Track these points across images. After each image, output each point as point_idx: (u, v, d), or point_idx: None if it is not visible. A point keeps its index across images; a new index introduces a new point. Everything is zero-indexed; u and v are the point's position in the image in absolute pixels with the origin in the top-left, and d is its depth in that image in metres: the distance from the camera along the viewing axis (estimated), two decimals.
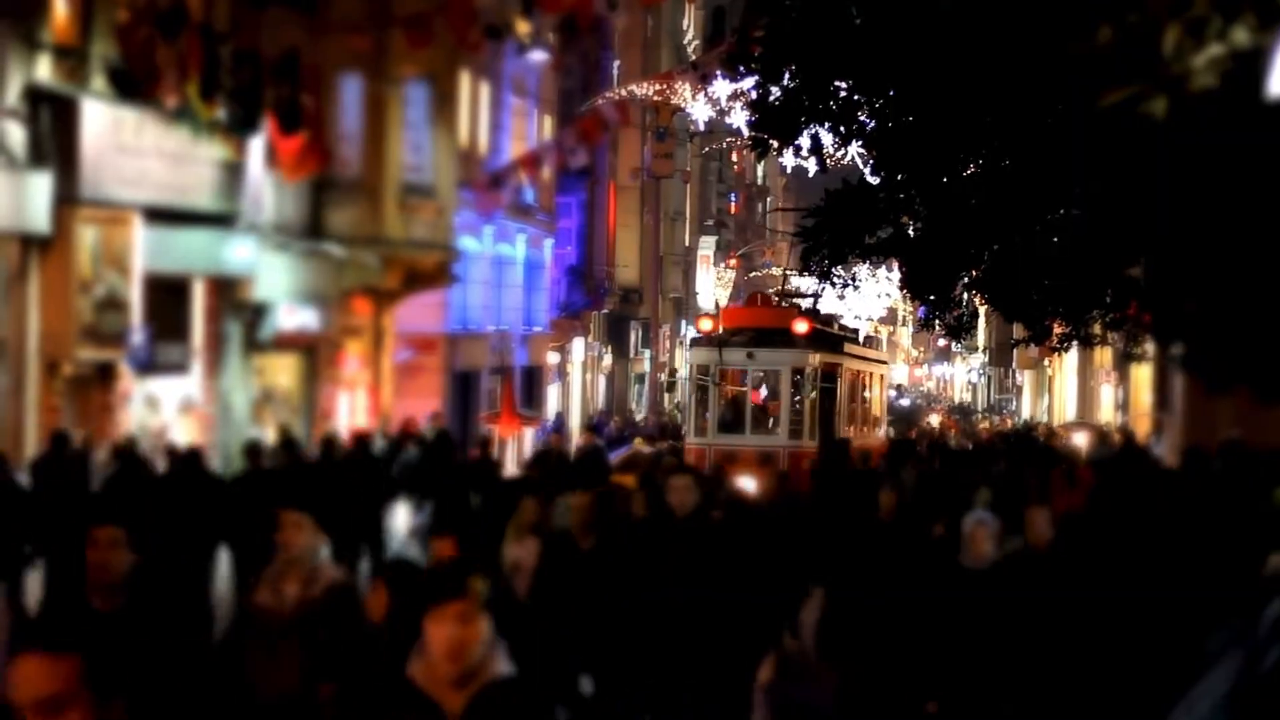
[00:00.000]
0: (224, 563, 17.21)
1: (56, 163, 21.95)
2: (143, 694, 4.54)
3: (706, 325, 28.33)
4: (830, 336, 29.71)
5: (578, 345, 51.21)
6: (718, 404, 27.53)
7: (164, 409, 25.54)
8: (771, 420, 27.77)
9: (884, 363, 36.72)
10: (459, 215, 34.01)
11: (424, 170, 32.19)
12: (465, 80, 36.20)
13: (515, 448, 32.48)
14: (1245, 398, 10.97)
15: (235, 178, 26.08)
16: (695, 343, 28.79)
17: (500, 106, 39.88)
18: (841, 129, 12.67)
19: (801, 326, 27.47)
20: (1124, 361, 35.33)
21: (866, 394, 32.13)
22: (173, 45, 23.77)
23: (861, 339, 35.92)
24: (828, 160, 13.70)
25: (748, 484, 22.34)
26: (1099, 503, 15.70)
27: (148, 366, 24.24)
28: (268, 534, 9.45)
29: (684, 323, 75.80)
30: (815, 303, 31.38)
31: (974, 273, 13.82)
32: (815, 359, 27.41)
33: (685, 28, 74.41)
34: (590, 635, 10.18)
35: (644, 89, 37.81)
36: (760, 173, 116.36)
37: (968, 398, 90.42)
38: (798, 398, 27.49)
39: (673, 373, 50.59)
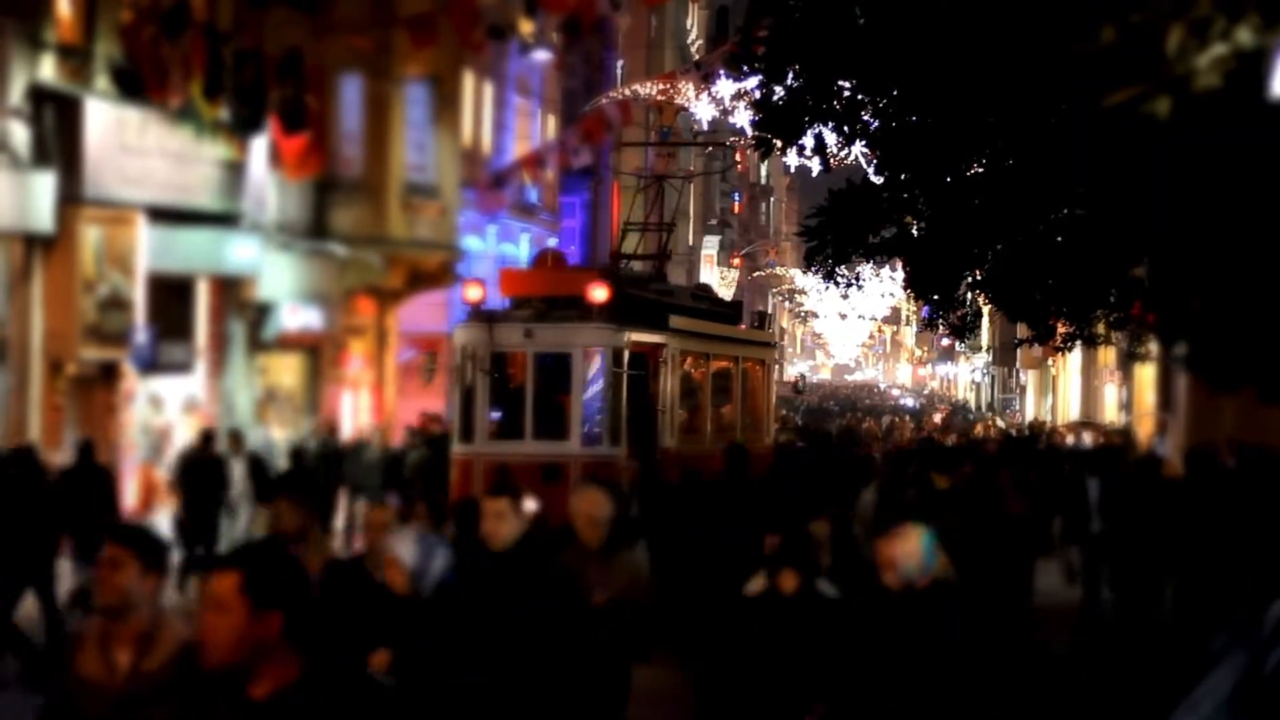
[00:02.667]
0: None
1: (60, 162, 21.98)
2: None
3: (474, 294, 20.87)
4: (650, 307, 21.61)
5: None
6: (489, 400, 20.48)
7: (167, 409, 25.57)
8: (564, 421, 20.36)
9: (767, 345, 27.09)
10: (462, 215, 34.02)
11: (427, 170, 32.21)
12: (469, 80, 36.22)
13: None
14: (1249, 397, 10.96)
15: (238, 177, 26.10)
16: (463, 320, 21.39)
17: (504, 106, 39.89)
18: (845, 128, 12.66)
19: (600, 292, 19.99)
20: (1128, 361, 35.32)
21: (732, 388, 24.55)
22: (176, 45, 23.79)
23: (754, 319, 28.86)
24: (831, 160, 13.69)
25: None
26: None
27: (151, 366, 24.27)
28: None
29: None
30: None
31: (978, 272, 13.81)
32: (623, 337, 20.14)
33: (689, 27, 74.43)
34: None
35: (647, 89, 37.80)
36: (764, 172, 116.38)
37: (971, 397, 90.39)
38: (591, 390, 20.43)
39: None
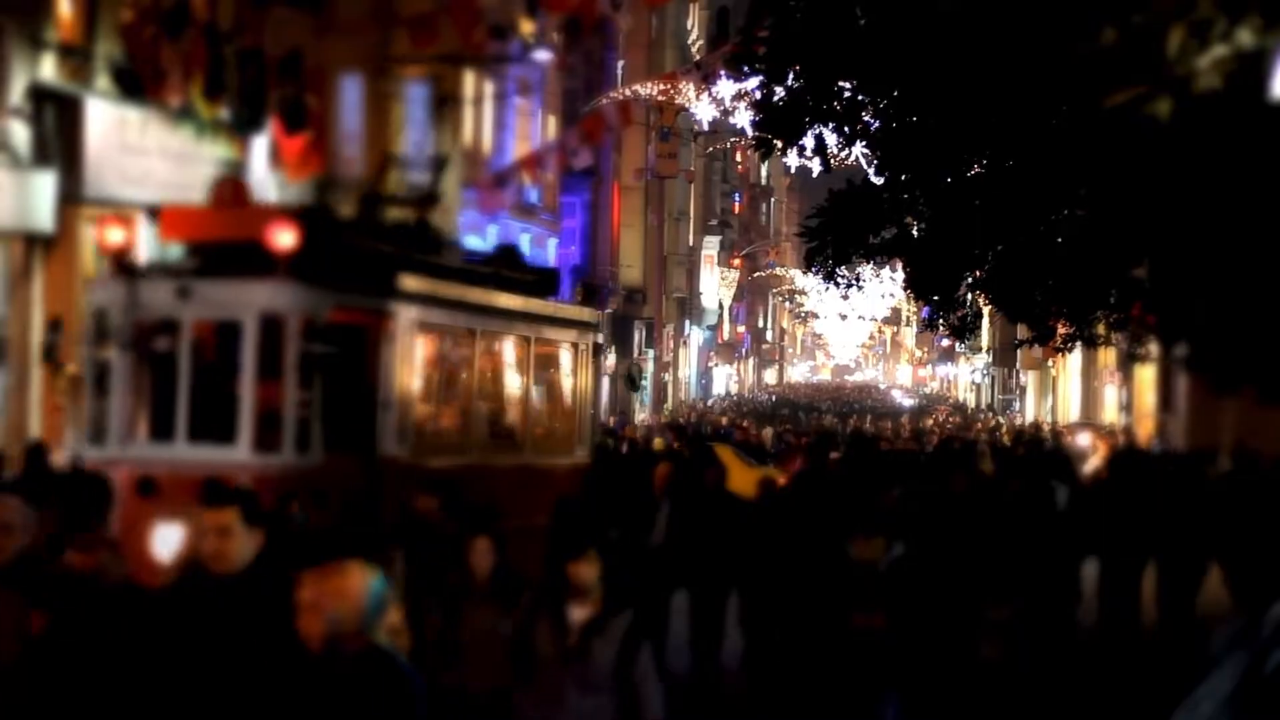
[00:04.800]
0: None
1: (61, 162, 21.97)
2: None
3: (115, 238, 15.37)
4: (372, 261, 15.59)
5: None
6: (129, 387, 14.99)
7: None
8: (231, 418, 14.65)
9: (583, 326, 19.79)
10: (462, 215, 34.02)
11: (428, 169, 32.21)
12: (469, 80, 36.22)
13: None
14: (1249, 399, 10.97)
15: (239, 177, 26.11)
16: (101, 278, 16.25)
17: (504, 106, 39.88)
18: (845, 129, 12.67)
19: (285, 237, 14.47)
20: (1128, 362, 35.35)
21: (521, 380, 18.25)
22: (177, 44, 23.80)
23: (577, 294, 22.37)
24: (832, 160, 13.69)
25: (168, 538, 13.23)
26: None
27: None
28: None
29: (687, 323, 75.89)
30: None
31: (978, 273, 13.81)
32: (319, 300, 14.73)
33: (689, 28, 74.46)
34: None
35: (648, 89, 37.84)
36: (764, 173, 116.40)
37: (971, 398, 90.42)
38: (276, 375, 14.75)
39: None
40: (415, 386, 15.89)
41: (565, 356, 19.35)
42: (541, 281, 19.72)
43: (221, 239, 15.24)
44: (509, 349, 18.12)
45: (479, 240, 36.74)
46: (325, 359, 14.73)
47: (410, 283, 15.85)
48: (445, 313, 16.57)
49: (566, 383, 19.43)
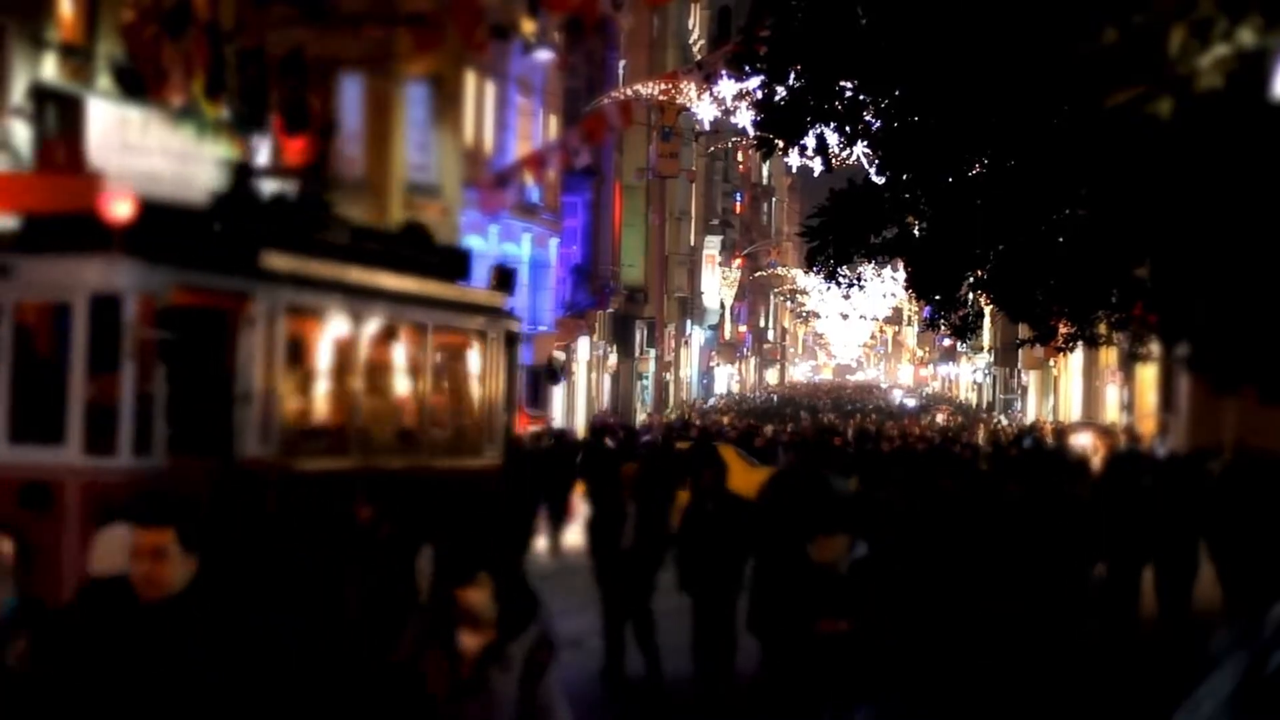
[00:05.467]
0: None
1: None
2: None
3: None
4: (228, 237, 13.77)
5: (583, 345, 51.24)
6: None
7: None
8: (59, 414, 12.81)
9: (494, 314, 17.91)
10: (464, 214, 34.03)
11: (429, 169, 32.23)
12: (471, 79, 36.23)
13: None
14: (1250, 398, 10.97)
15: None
16: None
17: (506, 106, 39.89)
18: (847, 129, 12.67)
19: (121, 207, 12.70)
20: (1129, 362, 35.35)
21: (418, 374, 16.39)
22: (178, 44, 23.80)
23: (494, 278, 18.97)
24: (833, 160, 13.69)
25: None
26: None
27: None
28: None
29: (689, 322, 75.92)
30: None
31: (979, 273, 13.82)
32: (159, 279, 12.88)
33: (691, 27, 74.47)
34: None
35: (649, 89, 37.84)
36: (765, 172, 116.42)
37: (973, 398, 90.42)
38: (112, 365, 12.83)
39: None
40: (282, 379, 14.00)
41: (472, 346, 17.47)
42: (446, 262, 17.66)
43: (49, 210, 13.22)
44: (402, 337, 16.18)
45: (480, 241, 36.76)
46: (171, 347, 12.84)
47: (275, 260, 13.97)
48: (320, 295, 14.73)
49: (473, 376, 17.47)
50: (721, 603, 14.25)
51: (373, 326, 15.56)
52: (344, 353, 15.18)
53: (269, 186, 15.84)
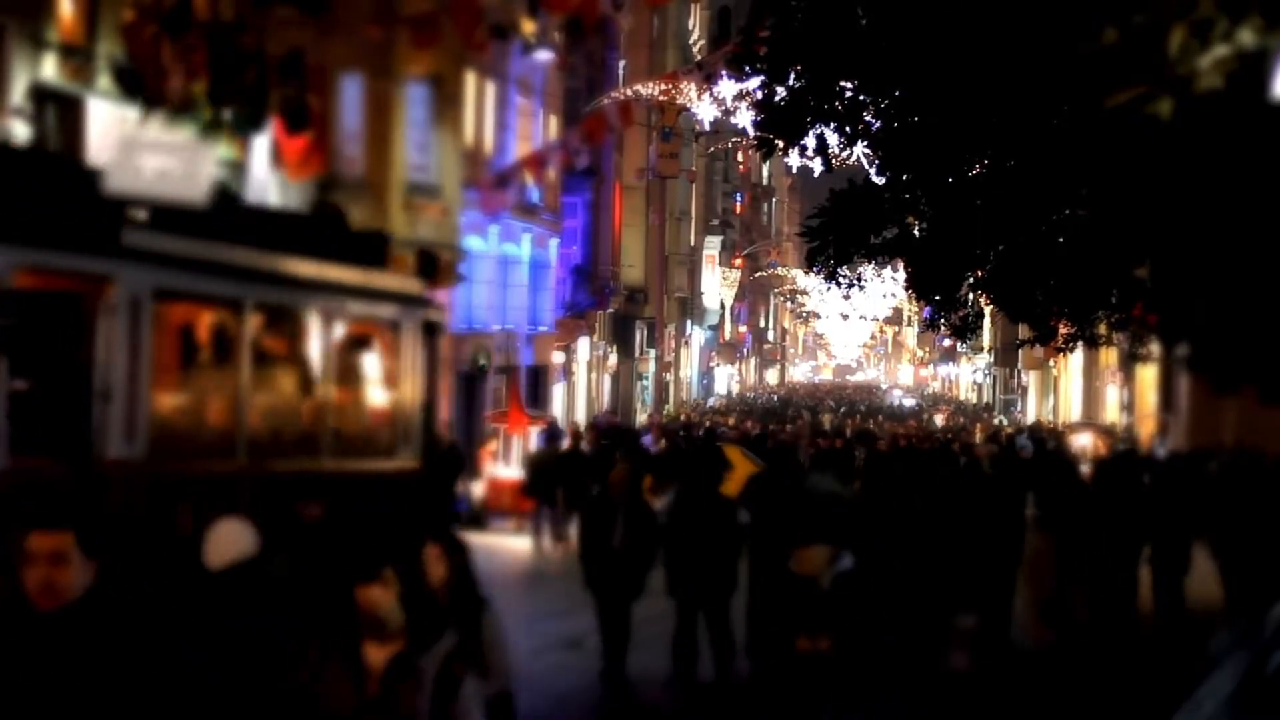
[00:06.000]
0: None
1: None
2: None
3: None
4: (84, 213, 12.29)
5: (583, 345, 51.24)
6: None
7: None
8: None
9: (409, 302, 16.56)
10: (464, 215, 34.03)
11: (429, 170, 32.22)
12: (471, 80, 36.23)
13: (520, 447, 32.48)
14: (1250, 399, 10.97)
15: (240, 177, 26.10)
16: None
17: (506, 106, 39.89)
18: (847, 129, 12.66)
19: None
20: (1129, 362, 35.35)
21: (310, 365, 14.93)
22: (178, 44, 23.80)
23: (419, 263, 17.88)
24: (833, 160, 13.69)
25: None
26: None
27: None
28: None
29: (689, 322, 75.90)
30: None
31: (979, 273, 13.81)
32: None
33: (691, 28, 74.46)
34: None
35: (649, 89, 37.84)
36: (765, 173, 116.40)
37: (973, 398, 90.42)
38: None
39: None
40: (150, 373, 12.55)
41: (385, 341, 16.14)
42: (358, 246, 16.09)
43: None
44: (298, 327, 14.76)
45: (480, 241, 36.77)
46: (13, 336, 11.45)
47: (141, 239, 12.50)
48: (198, 278, 13.20)
49: (384, 370, 16.14)
50: (711, 606, 14.15)
51: (263, 315, 14.16)
52: (227, 344, 13.68)
53: (152, 161, 14.21)
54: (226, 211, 14.30)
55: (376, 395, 16.07)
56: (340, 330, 15.26)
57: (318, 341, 14.89)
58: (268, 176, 26.76)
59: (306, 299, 14.72)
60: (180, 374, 13.57)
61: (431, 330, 16.71)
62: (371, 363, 16.08)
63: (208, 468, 13.06)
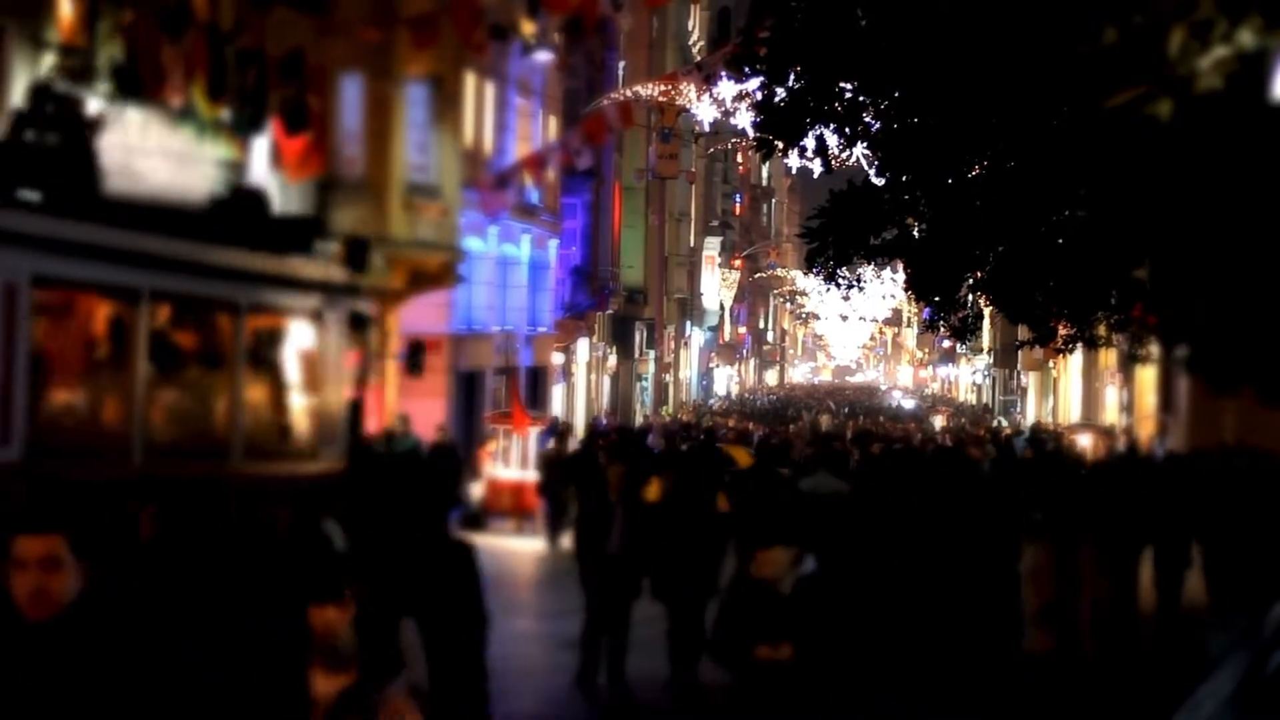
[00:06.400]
0: None
1: None
2: None
3: None
4: None
5: (582, 346, 51.24)
6: None
7: None
8: None
9: (316, 289, 15.32)
10: (464, 215, 34.02)
11: (429, 170, 32.21)
12: (470, 80, 36.22)
13: (520, 447, 32.48)
14: (1249, 400, 10.98)
15: (240, 178, 26.10)
16: None
17: (505, 107, 39.89)
18: (846, 130, 12.66)
19: None
20: (1129, 363, 35.34)
21: (216, 359, 14.09)
22: (178, 45, 23.79)
23: (347, 249, 16.36)
24: (833, 161, 13.68)
25: None
26: None
27: None
28: None
29: (689, 323, 75.90)
30: None
31: (979, 274, 13.81)
32: None
33: (690, 29, 74.46)
34: None
35: (649, 90, 37.83)
36: (765, 174, 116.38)
37: (972, 399, 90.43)
38: None
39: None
40: (25, 367, 11.58)
41: (302, 331, 14.98)
42: (280, 233, 15.05)
43: None
44: (203, 317, 13.85)
45: (480, 242, 36.75)
46: None
47: (14, 221, 11.55)
48: (81, 265, 12.17)
49: (302, 366, 14.99)
50: (687, 607, 14.12)
51: (161, 305, 13.14)
52: (121, 336, 12.66)
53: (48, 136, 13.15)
54: (135, 195, 13.31)
55: (294, 393, 14.96)
56: (253, 322, 14.19)
57: (227, 335, 13.81)
58: (267, 177, 26.77)
59: (212, 288, 13.63)
60: (69, 370, 12.50)
61: (360, 323, 15.85)
62: (289, 358, 14.88)
63: (95, 472, 11.96)
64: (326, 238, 15.71)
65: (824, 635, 8.08)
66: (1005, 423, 58.02)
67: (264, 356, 14.65)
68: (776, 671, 8.09)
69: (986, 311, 22.27)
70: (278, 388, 14.89)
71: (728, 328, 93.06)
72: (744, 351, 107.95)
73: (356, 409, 16.03)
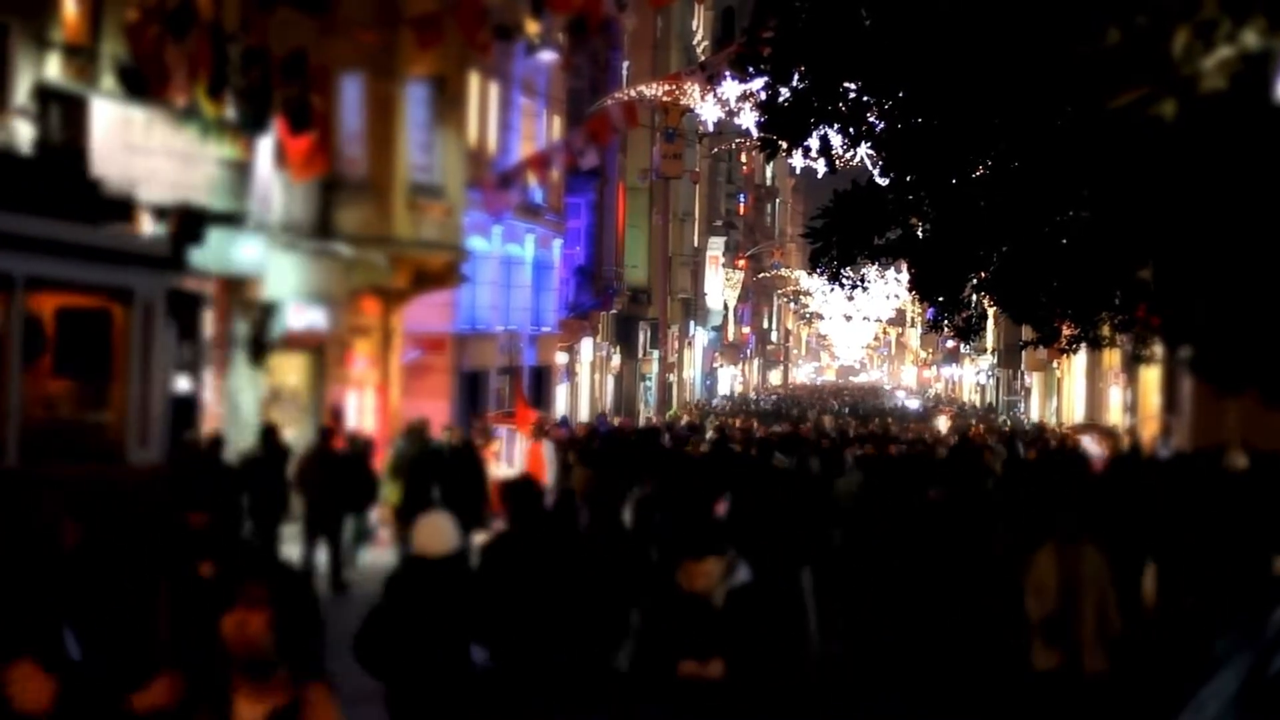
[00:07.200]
0: None
1: None
2: None
3: None
4: None
5: (586, 345, 51.23)
6: None
7: None
8: None
9: (128, 262, 13.42)
10: (468, 215, 34.03)
11: (433, 170, 32.22)
12: (474, 80, 36.23)
13: (523, 447, 32.47)
14: (1253, 400, 10.97)
15: (244, 177, 26.11)
16: None
17: (509, 107, 39.90)
18: (850, 130, 12.66)
19: None
20: (1132, 364, 35.31)
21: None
22: (182, 44, 23.80)
23: (179, 223, 15.04)
24: (837, 161, 13.68)
25: None
26: None
27: None
28: None
29: (692, 323, 75.89)
30: None
31: (983, 274, 13.81)
32: None
33: (694, 29, 74.46)
34: None
35: (653, 90, 37.81)
36: (769, 174, 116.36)
37: (976, 399, 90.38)
38: None
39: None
40: None
41: (112, 310, 13.23)
42: (91, 200, 13.21)
43: None
44: None
45: (484, 242, 36.76)
46: None
47: None
48: None
49: (109, 350, 13.22)
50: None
51: None
52: None
53: None
54: None
55: (107, 383, 13.16)
56: (48, 300, 12.41)
57: (9, 314, 12.01)
58: (271, 177, 26.78)
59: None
60: None
61: (186, 302, 14.07)
62: (102, 341, 13.04)
63: None
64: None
65: (758, 649, 7.68)
66: (1009, 422, 58.00)
67: (66, 341, 12.81)
68: (702, 690, 7.66)
69: (990, 311, 22.28)
70: (80, 378, 13.17)
71: (731, 328, 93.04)
72: (748, 352, 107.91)
73: (193, 403, 13.94)
